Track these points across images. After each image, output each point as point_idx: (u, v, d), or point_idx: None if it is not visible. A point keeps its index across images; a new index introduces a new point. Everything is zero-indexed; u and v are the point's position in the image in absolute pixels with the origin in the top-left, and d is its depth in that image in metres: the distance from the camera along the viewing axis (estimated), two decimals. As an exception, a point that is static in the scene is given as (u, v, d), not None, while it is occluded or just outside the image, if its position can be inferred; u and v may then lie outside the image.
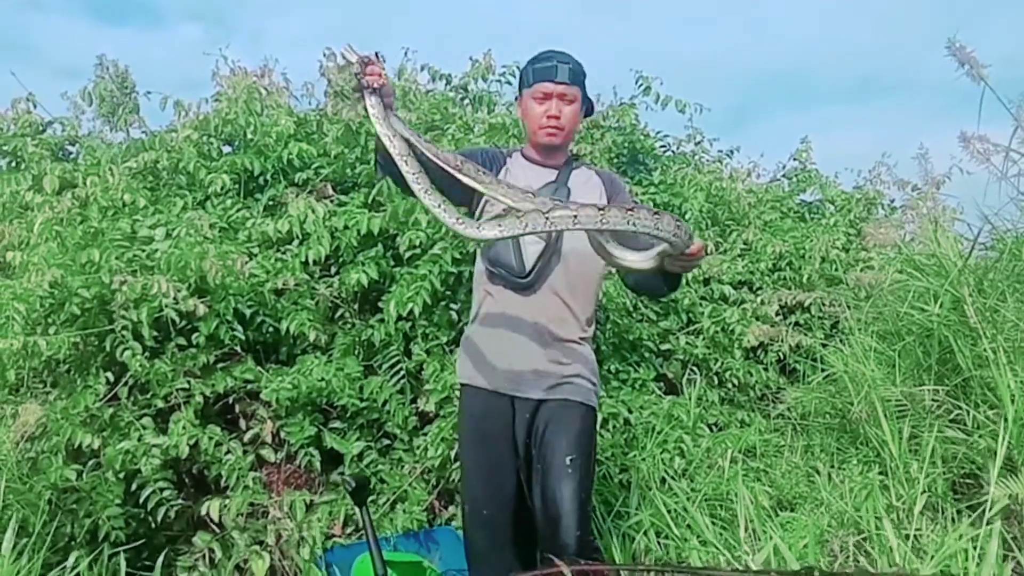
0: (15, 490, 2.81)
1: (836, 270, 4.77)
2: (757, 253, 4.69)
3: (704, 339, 4.21)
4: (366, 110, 2.11)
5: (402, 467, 3.40)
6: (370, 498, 3.22)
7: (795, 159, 5.57)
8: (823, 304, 4.47)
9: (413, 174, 2.09)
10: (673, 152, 5.19)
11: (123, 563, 2.65)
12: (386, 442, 3.49)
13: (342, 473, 2.59)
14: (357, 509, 2.41)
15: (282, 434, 3.34)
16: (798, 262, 4.75)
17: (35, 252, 3.41)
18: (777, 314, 4.37)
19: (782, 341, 4.33)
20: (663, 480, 3.50)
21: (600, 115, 4.79)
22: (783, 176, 5.63)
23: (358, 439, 3.37)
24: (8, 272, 3.70)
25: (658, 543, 3.11)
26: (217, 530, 3.14)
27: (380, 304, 3.56)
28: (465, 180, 2.13)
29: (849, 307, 4.42)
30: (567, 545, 2.21)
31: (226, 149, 4.15)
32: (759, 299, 4.39)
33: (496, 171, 2.43)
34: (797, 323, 4.51)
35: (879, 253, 4.98)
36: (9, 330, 3.26)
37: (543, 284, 2.38)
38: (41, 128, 4.24)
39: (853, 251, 5.04)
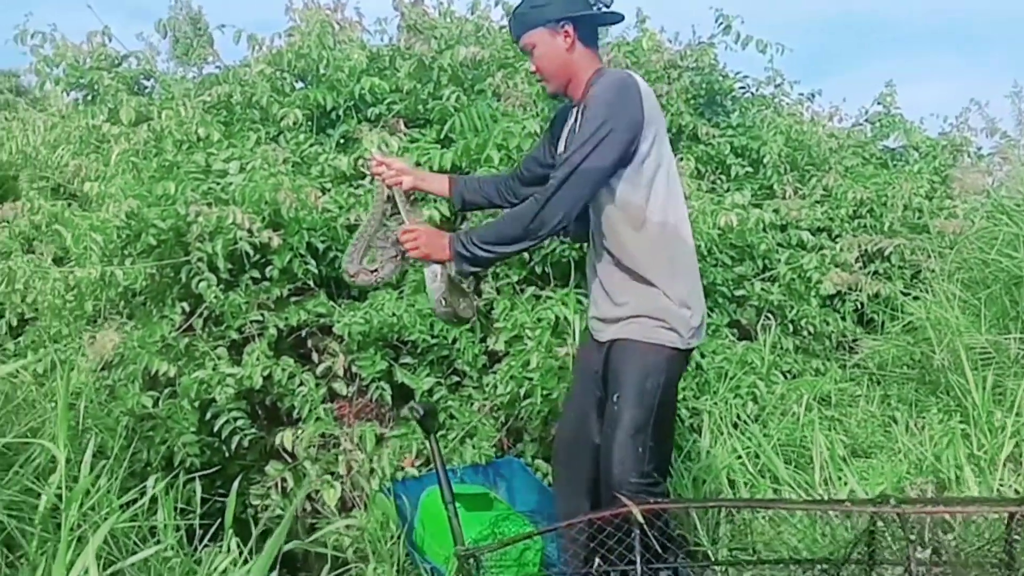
0: (93, 415, 2.87)
1: (919, 218, 4.59)
2: (837, 199, 4.52)
3: (780, 286, 4.08)
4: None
5: (471, 404, 3.39)
6: (440, 432, 3.23)
7: (879, 103, 5.34)
8: (905, 252, 4.31)
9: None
10: (752, 94, 4.99)
11: (198, 488, 2.69)
12: (455, 379, 3.48)
13: (411, 403, 2.59)
14: (425, 437, 2.40)
15: (354, 368, 3.35)
16: (879, 209, 4.56)
17: (112, 183, 3.46)
18: (856, 261, 4.21)
19: (860, 290, 4.19)
20: (735, 425, 3.44)
21: (678, 55, 4.64)
22: (866, 121, 5.39)
23: (428, 375, 3.37)
24: (85, 204, 3.77)
25: (729, 486, 3.06)
26: (289, 460, 3.18)
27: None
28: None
29: (932, 255, 4.26)
30: (609, 485, 2.16)
31: (299, 85, 4.13)
32: (838, 246, 4.23)
33: (560, 128, 2.46)
34: (876, 272, 4.36)
35: (965, 200, 4.79)
36: (87, 260, 3.34)
37: (593, 237, 2.39)
38: (117, 62, 4.28)
39: (938, 199, 4.83)
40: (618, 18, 2.48)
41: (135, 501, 2.44)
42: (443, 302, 2.36)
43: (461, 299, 2.45)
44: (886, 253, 4.35)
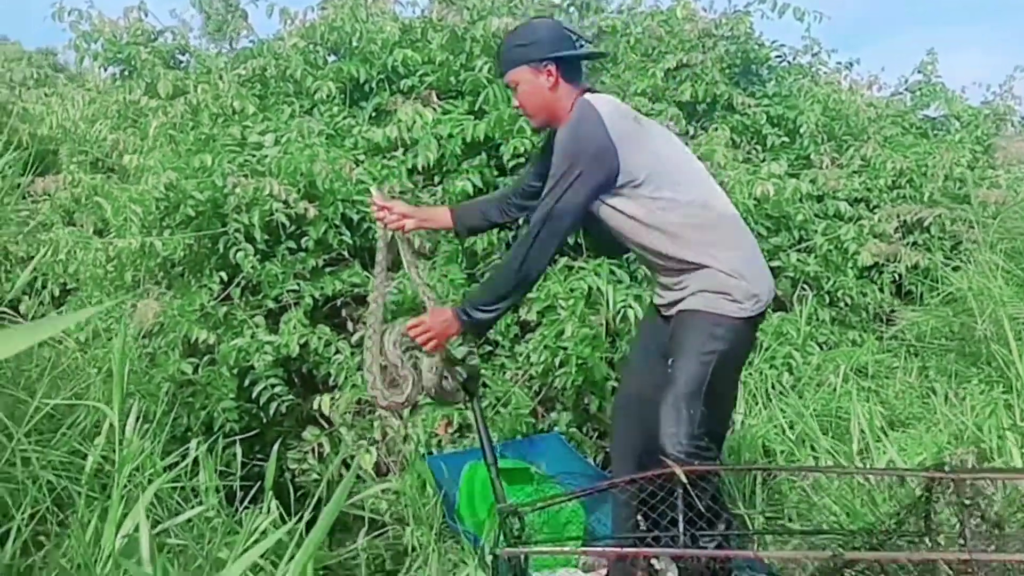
0: (136, 380, 2.93)
1: (960, 188, 4.51)
2: (876, 170, 4.45)
3: (816, 257, 4.04)
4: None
5: (504, 373, 3.40)
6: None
7: (920, 72, 5.24)
8: (945, 222, 4.24)
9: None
10: (789, 63, 4.94)
11: (239, 451, 2.74)
12: (488, 348, 3.50)
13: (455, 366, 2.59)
14: (468, 400, 2.42)
15: (387, 337, 3.37)
16: (919, 180, 4.49)
17: (150, 156, 3.51)
18: (896, 231, 4.15)
19: (898, 261, 4.13)
20: (770, 396, 3.42)
21: (713, 23, 4.59)
22: (906, 90, 5.31)
23: (460, 344, 3.36)
24: (124, 177, 3.83)
25: (765, 455, 3.05)
26: (326, 426, 3.22)
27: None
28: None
29: (974, 225, 4.19)
30: (656, 446, 2.14)
31: (331, 58, 4.15)
32: (877, 217, 4.17)
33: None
34: (915, 243, 4.29)
35: (1008, 170, 4.70)
36: (127, 231, 3.39)
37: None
38: (153, 37, 4.32)
39: (980, 168, 4.75)
40: (600, 55, 2.46)
41: (177, 464, 2.48)
42: (433, 391, 2.41)
43: (455, 382, 2.48)
44: (926, 224, 4.29)
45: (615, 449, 2.50)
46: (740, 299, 2.22)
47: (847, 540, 1.94)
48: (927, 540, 1.81)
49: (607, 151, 2.19)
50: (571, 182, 2.18)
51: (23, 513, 1.90)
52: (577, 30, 2.43)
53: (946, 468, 1.77)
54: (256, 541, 2.14)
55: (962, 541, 1.67)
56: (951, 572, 1.69)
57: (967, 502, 1.68)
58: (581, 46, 2.39)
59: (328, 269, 3.48)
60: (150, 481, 2.24)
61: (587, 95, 2.30)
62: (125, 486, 2.15)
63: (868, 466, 2.88)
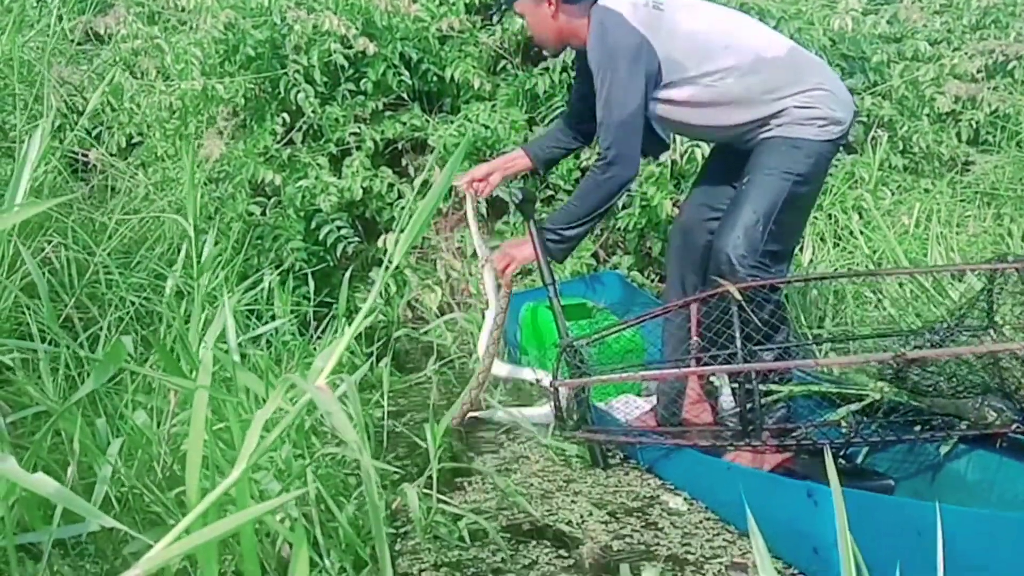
0: (206, 218, 2.97)
1: (1050, 29, 4.23)
2: (959, 9, 4.20)
3: (892, 101, 3.86)
4: None
5: (567, 215, 3.38)
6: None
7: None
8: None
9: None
10: None
11: (311, 282, 2.80)
12: (549, 192, 3.47)
13: (510, 188, 2.57)
14: (525, 221, 2.40)
15: (449, 182, 3.35)
16: (1006, 19, 4.22)
17: (207, -5, 3.45)
18: (979, 71, 3.93)
19: (977, 107, 3.94)
20: (839, 237, 3.35)
21: None
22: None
23: (521, 188, 3.36)
24: (183, 21, 3.78)
25: (834, 295, 3.00)
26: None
27: (544, 54, 3.44)
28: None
29: (1062, 67, 3.96)
30: (719, 261, 2.09)
31: None
32: (958, 56, 3.94)
33: None
34: (996, 89, 4.07)
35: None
36: (188, 75, 3.37)
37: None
38: None
39: (1073, 7, 4.43)
40: None
41: (252, 292, 2.54)
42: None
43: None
44: (1009, 67, 4.06)
45: (670, 274, 2.48)
46: (821, 124, 2.16)
47: (908, 340, 1.92)
48: (991, 333, 1.78)
49: (641, 46, 2.14)
50: (621, 92, 2.13)
51: (107, 321, 1.97)
52: None
53: (1009, 258, 1.72)
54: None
55: (1027, 329, 1.63)
56: (1016, 364, 1.66)
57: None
58: None
59: (388, 113, 3.44)
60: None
61: (600, 2, 2.20)
62: (203, 308, 2.21)
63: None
